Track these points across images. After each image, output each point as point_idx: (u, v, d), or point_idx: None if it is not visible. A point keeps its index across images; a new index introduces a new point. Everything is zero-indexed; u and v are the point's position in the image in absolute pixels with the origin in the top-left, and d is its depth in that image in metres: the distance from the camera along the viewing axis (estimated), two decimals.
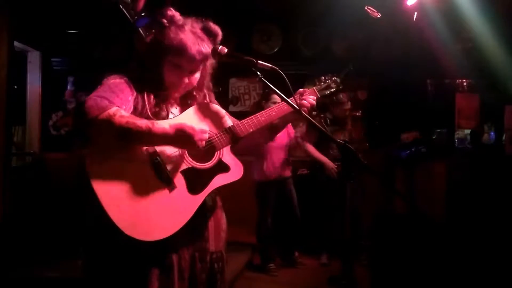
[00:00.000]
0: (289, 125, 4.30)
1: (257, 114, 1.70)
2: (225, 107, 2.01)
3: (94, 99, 1.37)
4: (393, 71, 5.34)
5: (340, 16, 4.45)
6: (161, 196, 1.48)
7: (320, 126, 1.77)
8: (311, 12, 4.92)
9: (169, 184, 1.50)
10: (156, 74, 1.53)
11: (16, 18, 3.98)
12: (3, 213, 3.78)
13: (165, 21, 1.52)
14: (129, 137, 1.38)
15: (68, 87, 5.64)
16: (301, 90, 1.82)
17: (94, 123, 1.34)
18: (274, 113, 1.71)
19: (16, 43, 4.33)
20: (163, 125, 1.44)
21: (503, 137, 5.45)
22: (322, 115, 3.93)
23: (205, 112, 1.66)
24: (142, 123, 1.39)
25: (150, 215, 1.43)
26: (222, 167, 1.61)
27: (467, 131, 5.63)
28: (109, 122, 1.35)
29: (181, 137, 1.43)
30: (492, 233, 4.37)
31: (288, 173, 4.27)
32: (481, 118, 5.59)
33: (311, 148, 4.28)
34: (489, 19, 4.50)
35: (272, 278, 4.08)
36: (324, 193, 4.41)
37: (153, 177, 1.47)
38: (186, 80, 1.58)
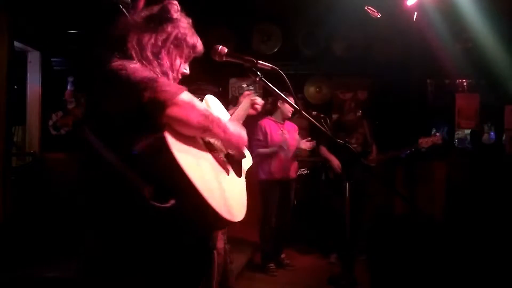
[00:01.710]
0: (296, 128, 4.34)
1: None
2: (225, 107, 2.02)
3: (166, 86, 1.32)
4: (393, 71, 5.34)
5: (340, 16, 4.46)
6: (226, 180, 1.52)
7: (320, 126, 1.77)
8: (311, 12, 4.92)
9: (227, 169, 1.55)
10: (154, 62, 1.47)
11: (16, 18, 3.98)
12: (3, 213, 3.78)
13: (173, 13, 1.48)
14: (209, 127, 1.39)
15: (68, 87, 5.64)
16: None
17: (177, 105, 1.31)
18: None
19: (16, 43, 4.33)
20: (233, 126, 1.51)
21: (503, 137, 5.45)
22: (322, 115, 3.94)
23: (215, 102, 1.88)
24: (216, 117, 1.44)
25: (229, 198, 1.45)
26: (242, 154, 1.75)
27: (467, 131, 5.63)
28: (191, 105, 1.34)
29: (240, 144, 1.55)
30: (492, 233, 4.37)
31: (293, 174, 4.28)
32: (481, 118, 5.59)
33: (324, 151, 4.34)
34: (489, 19, 4.50)
35: (272, 278, 4.08)
36: (324, 192, 4.42)
37: (215, 162, 1.49)
38: (185, 69, 1.56)
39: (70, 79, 5.65)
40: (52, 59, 5.61)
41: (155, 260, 1.36)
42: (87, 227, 1.42)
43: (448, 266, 3.93)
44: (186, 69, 1.54)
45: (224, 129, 1.42)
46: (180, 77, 1.53)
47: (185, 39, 1.48)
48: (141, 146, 1.29)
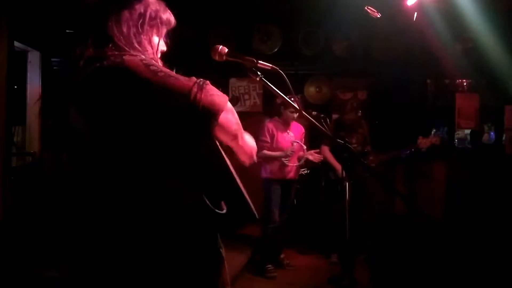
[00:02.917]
0: (302, 129, 4.35)
1: None
2: None
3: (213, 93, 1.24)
4: (393, 71, 5.34)
5: (340, 16, 4.46)
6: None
7: (320, 126, 1.77)
8: (311, 12, 4.92)
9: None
10: (140, 50, 1.35)
11: (16, 18, 3.98)
12: (3, 212, 3.78)
13: None
14: (238, 135, 1.35)
15: None
16: None
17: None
18: None
19: (16, 43, 4.33)
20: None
21: (503, 137, 5.46)
22: (322, 115, 3.94)
23: None
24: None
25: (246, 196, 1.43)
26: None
27: (467, 131, 5.63)
28: (233, 112, 1.30)
29: (252, 154, 1.48)
30: (491, 233, 4.37)
31: (294, 175, 4.28)
32: (481, 118, 5.59)
33: (326, 152, 4.33)
34: (489, 19, 4.50)
35: (272, 278, 4.07)
36: (324, 192, 4.42)
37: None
38: (163, 47, 1.47)
39: None
40: (52, 59, 5.61)
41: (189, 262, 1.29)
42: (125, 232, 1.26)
43: (448, 265, 3.93)
44: (163, 46, 1.46)
45: (242, 137, 1.38)
46: (159, 57, 1.44)
47: (159, 17, 1.39)
48: (192, 153, 1.25)
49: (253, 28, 5.32)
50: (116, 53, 1.24)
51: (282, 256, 4.35)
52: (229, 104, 1.28)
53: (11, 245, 3.69)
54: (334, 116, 5.31)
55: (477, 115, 5.59)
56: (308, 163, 4.35)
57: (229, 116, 1.28)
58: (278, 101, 4.41)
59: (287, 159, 4.06)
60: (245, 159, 1.47)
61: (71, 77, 1.27)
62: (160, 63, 1.38)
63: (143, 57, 1.26)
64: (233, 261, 4.13)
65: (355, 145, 4.34)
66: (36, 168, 4.99)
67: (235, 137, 1.33)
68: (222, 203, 1.27)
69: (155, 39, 1.40)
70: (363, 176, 4.04)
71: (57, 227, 4.03)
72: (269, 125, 4.16)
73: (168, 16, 1.43)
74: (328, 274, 3.97)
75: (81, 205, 1.33)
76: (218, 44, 1.57)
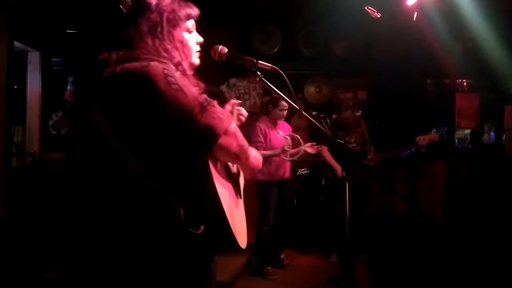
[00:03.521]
0: (290, 128, 4.34)
1: None
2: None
3: (216, 116, 1.26)
4: (393, 71, 5.34)
5: (340, 16, 4.45)
6: (238, 208, 1.50)
7: (320, 126, 1.77)
8: (311, 12, 4.91)
9: (239, 196, 1.53)
10: (166, 57, 1.37)
11: (16, 18, 3.98)
12: (3, 212, 3.78)
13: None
14: (241, 156, 1.36)
15: (68, 87, 5.64)
16: None
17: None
18: None
19: (16, 43, 4.33)
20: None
21: (503, 137, 5.45)
22: (322, 115, 3.94)
23: None
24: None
25: (240, 227, 1.45)
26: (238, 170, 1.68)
27: (467, 131, 5.63)
28: (236, 135, 1.32)
29: (256, 169, 1.50)
30: (491, 233, 4.37)
31: (288, 174, 4.27)
32: (481, 118, 5.59)
33: (325, 152, 4.32)
34: (489, 19, 4.50)
35: (272, 278, 4.06)
36: (324, 192, 4.42)
37: (232, 191, 1.47)
38: (198, 38, 1.49)
39: (70, 79, 5.65)
40: (52, 59, 5.61)
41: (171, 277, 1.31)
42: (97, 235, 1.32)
43: (448, 265, 3.93)
44: (198, 38, 1.48)
45: (247, 156, 1.39)
46: (196, 55, 1.47)
47: (178, 16, 1.39)
48: (184, 167, 1.27)
49: (253, 28, 5.32)
50: (146, 57, 1.28)
51: (282, 256, 4.34)
52: (232, 126, 1.29)
53: (11, 245, 3.69)
54: (334, 116, 5.31)
55: (477, 115, 5.58)
56: (308, 163, 4.35)
57: (230, 139, 1.29)
58: (265, 99, 4.41)
59: (286, 154, 4.04)
60: (247, 173, 1.54)
61: (98, 78, 1.30)
62: (194, 59, 1.44)
63: (169, 66, 1.29)
64: (232, 262, 4.13)
65: (354, 145, 4.34)
66: (36, 168, 4.99)
67: (236, 157, 1.35)
68: (200, 226, 1.28)
69: (180, 38, 1.40)
70: (363, 176, 4.04)
71: (61, 226, 4.04)
72: (261, 125, 4.12)
73: (186, 10, 1.43)
74: (328, 274, 3.96)
75: (85, 205, 1.38)
76: (218, 44, 1.57)
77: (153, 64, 1.25)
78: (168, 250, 1.28)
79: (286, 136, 4.07)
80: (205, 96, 1.28)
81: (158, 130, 1.23)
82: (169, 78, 1.23)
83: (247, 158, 1.38)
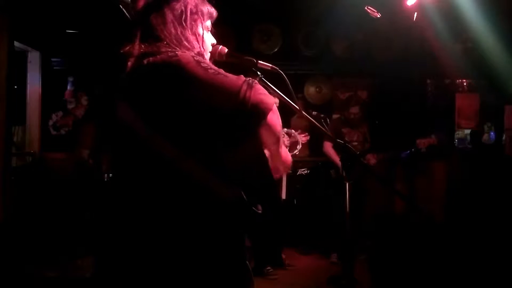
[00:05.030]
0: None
1: None
2: None
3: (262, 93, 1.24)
4: (393, 71, 5.34)
5: (340, 16, 4.46)
6: None
7: (320, 126, 1.77)
8: (311, 12, 4.92)
9: None
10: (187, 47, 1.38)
11: (16, 18, 3.98)
12: (3, 212, 3.78)
13: None
14: (280, 137, 1.35)
15: (68, 87, 5.64)
16: None
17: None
18: None
19: (16, 43, 4.33)
20: None
21: (503, 137, 5.45)
22: (322, 115, 3.93)
23: None
24: None
25: None
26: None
27: (467, 131, 5.63)
28: (278, 114, 1.31)
29: (288, 162, 1.47)
30: (491, 233, 4.37)
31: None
32: (481, 118, 5.59)
33: (328, 148, 4.33)
34: (489, 19, 4.50)
35: (273, 279, 4.06)
36: (324, 192, 4.42)
37: None
38: (214, 41, 1.52)
39: (70, 79, 5.65)
40: (52, 59, 5.61)
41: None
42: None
43: (448, 265, 3.93)
44: (212, 39, 1.50)
45: (282, 144, 1.38)
46: (210, 51, 1.48)
47: (200, 10, 1.41)
48: (240, 153, 1.26)
49: (253, 28, 5.32)
50: (169, 49, 1.27)
51: (283, 256, 4.34)
52: (275, 106, 1.29)
53: (11, 245, 3.69)
54: (334, 116, 5.31)
55: (477, 115, 5.59)
56: (308, 163, 4.34)
57: (275, 117, 1.28)
58: None
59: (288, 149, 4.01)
60: (280, 167, 1.46)
61: (121, 72, 1.30)
62: (207, 58, 1.43)
63: (194, 54, 1.28)
64: None
65: (356, 143, 4.35)
66: (36, 168, 4.99)
67: (278, 140, 1.34)
68: (259, 206, 1.26)
69: (200, 32, 1.42)
70: (363, 175, 4.04)
71: (61, 226, 4.04)
72: None
73: (208, 8, 1.45)
74: (328, 274, 3.96)
75: (124, 199, 1.34)
76: (218, 44, 1.57)
77: (180, 53, 1.24)
78: (230, 237, 1.27)
79: (284, 132, 4.07)
80: (243, 75, 1.27)
81: (203, 117, 1.21)
82: (202, 64, 1.22)
83: (282, 144, 1.37)
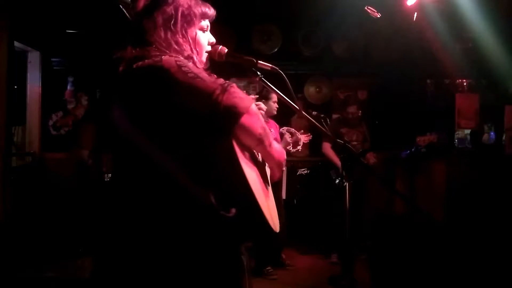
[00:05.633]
0: (278, 127, 4.32)
1: None
2: None
3: (236, 95, 1.26)
4: (393, 71, 5.34)
5: (340, 16, 4.46)
6: (268, 194, 1.48)
7: (320, 126, 1.77)
8: (311, 12, 4.92)
9: (267, 182, 1.52)
10: (177, 50, 1.40)
11: (16, 18, 3.98)
12: (3, 213, 3.78)
13: None
14: (264, 139, 1.35)
15: (68, 87, 5.64)
16: None
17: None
18: None
19: (16, 43, 4.33)
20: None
21: (503, 137, 5.45)
22: (322, 115, 3.94)
23: None
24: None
25: (272, 212, 1.42)
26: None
27: (467, 131, 5.63)
28: (257, 116, 1.32)
29: (282, 160, 1.49)
30: (492, 233, 4.37)
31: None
32: (481, 118, 5.59)
33: (327, 149, 4.31)
34: (489, 19, 4.50)
35: (273, 279, 4.06)
36: (324, 192, 4.42)
37: (259, 176, 1.45)
38: (211, 39, 1.54)
39: (70, 79, 5.65)
40: (52, 59, 5.61)
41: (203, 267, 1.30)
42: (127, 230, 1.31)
43: (448, 266, 3.93)
44: (211, 38, 1.53)
45: (270, 143, 1.39)
46: (205, 55, 1.50)
47: (193, 12, 1.43)
48: (209, 153, 1.27)
49: (253, 28, 5.32)
50: (157, 53, 1.31)
51: (283, 256, 4.34)
52: (253, 108, 1.30)
53: (10, 245, 3.69)
54: (334, 116, 5.31)
55: (477, 115, 5.59)
56: (308, 163, 4.34)
57: (253, 119, 1.29)
58: (254, 97, 4.33)
59: (289, 145, 4.01)
60: (274, 167, 1.49)
61: (114, 76, 1.35)
62: (204, 58, 1.48)
63: (180, 58, 1.32)
64: None
65: (355, 143, 4.35)
66: (36, 168, 4.99)
67: (260, 141, 1.34)
68: (232, 209, 1.27)
69: (193, 34, 1.44)
70: (363, 175, 4.04)
71: (60, 226, 4.04)
72: None
73: (202, 9, 1.47)
74: (328, 274, 3.97)
75: (116, 199, 1.39)
76: (218, 44, 1.57)
77: (165, 57, 1.28)
78: (202, 238, 1.27)
79: (282, 131, 4.08)
80: (222, 79, 1.29)
81: (180, 120, 1.25)
82: (183, 68, 1.25)
83: (270, 144, 1.38)
